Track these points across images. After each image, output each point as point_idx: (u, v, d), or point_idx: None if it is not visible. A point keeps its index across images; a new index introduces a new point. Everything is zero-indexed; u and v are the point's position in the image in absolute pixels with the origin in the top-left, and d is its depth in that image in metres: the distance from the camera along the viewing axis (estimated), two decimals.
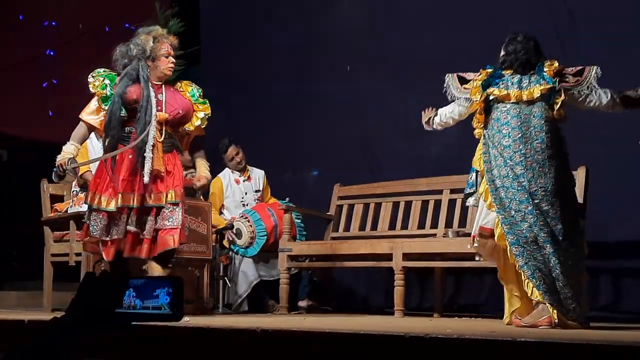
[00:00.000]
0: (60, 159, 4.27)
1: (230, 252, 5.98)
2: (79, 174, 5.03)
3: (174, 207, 4.19)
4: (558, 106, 4.06)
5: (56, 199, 5.82)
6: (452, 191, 5.56)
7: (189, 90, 4.51)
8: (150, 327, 1.62)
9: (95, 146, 5.66)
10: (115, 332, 1.37)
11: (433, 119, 4.52)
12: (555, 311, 3.88)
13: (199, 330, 2.81)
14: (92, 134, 5.74)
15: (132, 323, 1.44)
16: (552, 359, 2.15)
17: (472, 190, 4.22)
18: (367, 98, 6.65)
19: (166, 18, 7.76)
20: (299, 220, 6.11)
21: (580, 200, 4.99)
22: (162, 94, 4.33)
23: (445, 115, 4.45)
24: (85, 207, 5.51)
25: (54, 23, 7.15)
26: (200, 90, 4.52)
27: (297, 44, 7.03)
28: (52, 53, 7.14)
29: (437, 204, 5.58)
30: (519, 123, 4.05)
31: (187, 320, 3.32)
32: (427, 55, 6.11)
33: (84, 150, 5.68)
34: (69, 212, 5.60)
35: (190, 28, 7.95)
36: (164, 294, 1.45)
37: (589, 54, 5.61)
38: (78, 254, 5.39)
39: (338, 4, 7.09)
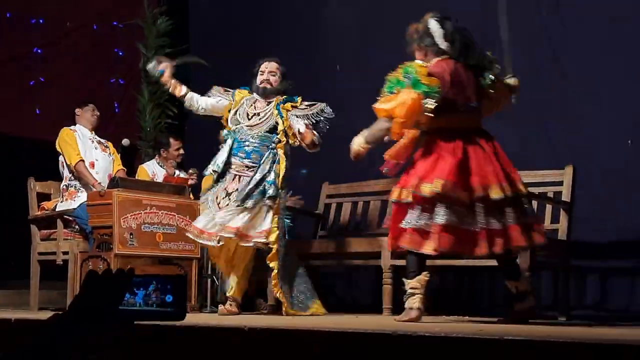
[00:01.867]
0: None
1: None
2: None
3: None
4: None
5: (43, 197, 5.79)
6: None
7: None
8: (150, 326, 1.61)
9: (83, 136, 5.62)
10: (116, 331, 1.36)
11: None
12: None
13: (186, 330, 2.81)
14: (80, 127, 5.71)
15: (135, 322, 1.43)
16: (538, 356, 2.16)
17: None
18: (356, 97, 6.63)
19: (154, 16, 7.75)
20: (289, 220, 6.09)
21: (567, 199, 5.03)
22: None
23: None
24: (77, 203, 5.48)
25: (41, 21, 7.11)
26: None
27: (286, 43, 7.02)
28: (39, 51, 7.10)
29: None
30: None
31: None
32: None
33: (72, 140, 5.61)
34: (57, 208, 5.57)
35: (179, 26, 7.94)
36: (151, 290, 1.44)
37: (574, 43, 5.64)
38: (65, 253, 5.37)
39: (328, 2, 7.08)
